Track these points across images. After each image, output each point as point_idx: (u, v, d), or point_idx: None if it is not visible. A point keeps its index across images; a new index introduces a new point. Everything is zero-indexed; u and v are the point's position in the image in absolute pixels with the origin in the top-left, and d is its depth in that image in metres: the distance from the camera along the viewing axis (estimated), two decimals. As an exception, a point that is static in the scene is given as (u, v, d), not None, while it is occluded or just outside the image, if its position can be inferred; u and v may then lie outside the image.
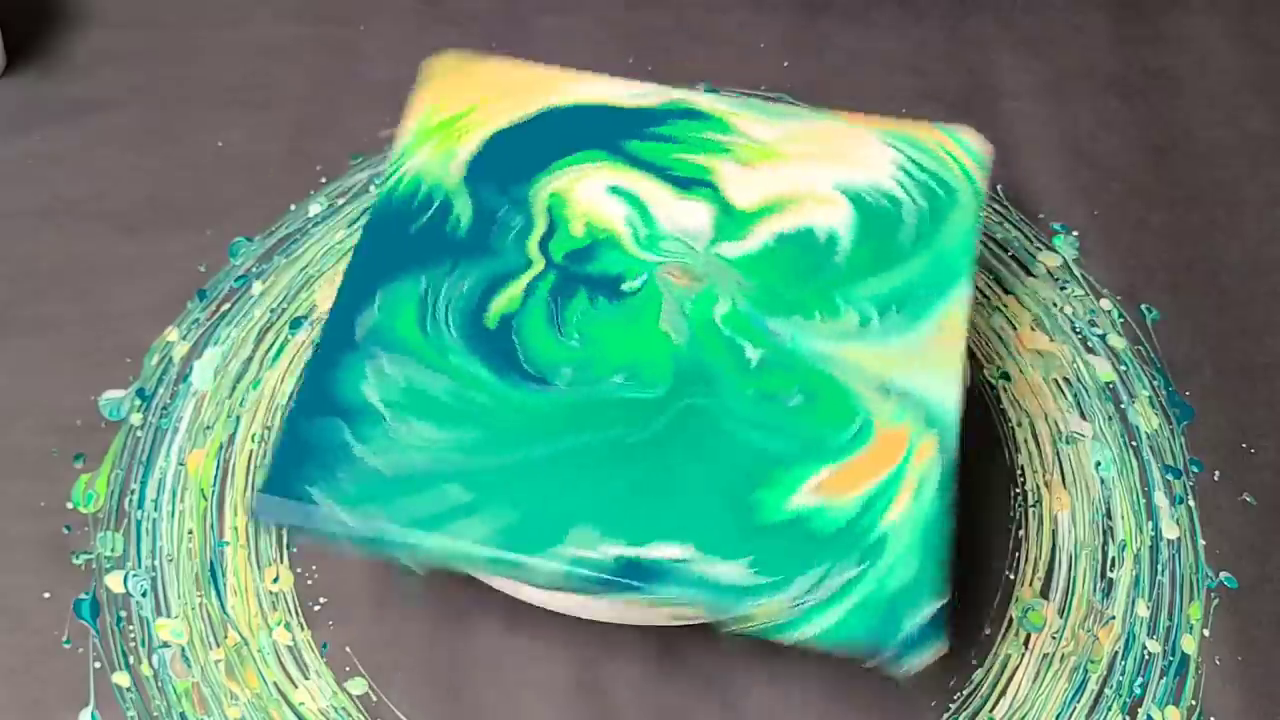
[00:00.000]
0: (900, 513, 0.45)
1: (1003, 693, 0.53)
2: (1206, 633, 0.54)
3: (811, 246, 0.51)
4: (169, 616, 0.53)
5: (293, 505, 0.45)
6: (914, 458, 0.46)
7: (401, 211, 0.53)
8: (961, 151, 0.54)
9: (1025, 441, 0.58)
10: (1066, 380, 0.60)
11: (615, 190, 0.53)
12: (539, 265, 0.51)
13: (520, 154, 0.54)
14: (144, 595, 0.54)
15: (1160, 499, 0.57)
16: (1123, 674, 0.53)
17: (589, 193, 0.53)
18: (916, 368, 0.48)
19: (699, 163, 0.53)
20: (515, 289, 0.50)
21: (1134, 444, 0.59)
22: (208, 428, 0.58)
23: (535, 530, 0.45)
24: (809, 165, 0.53)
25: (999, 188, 0.66)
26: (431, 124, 0.55)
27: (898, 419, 0.47)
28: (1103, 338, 0.62)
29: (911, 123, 0.55)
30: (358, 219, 0.64)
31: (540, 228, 0.52)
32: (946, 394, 0.48)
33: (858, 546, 0.45)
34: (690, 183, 0.53)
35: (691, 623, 0.47)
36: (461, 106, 0.55)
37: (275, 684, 0.52)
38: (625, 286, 0.51)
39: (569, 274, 0.51)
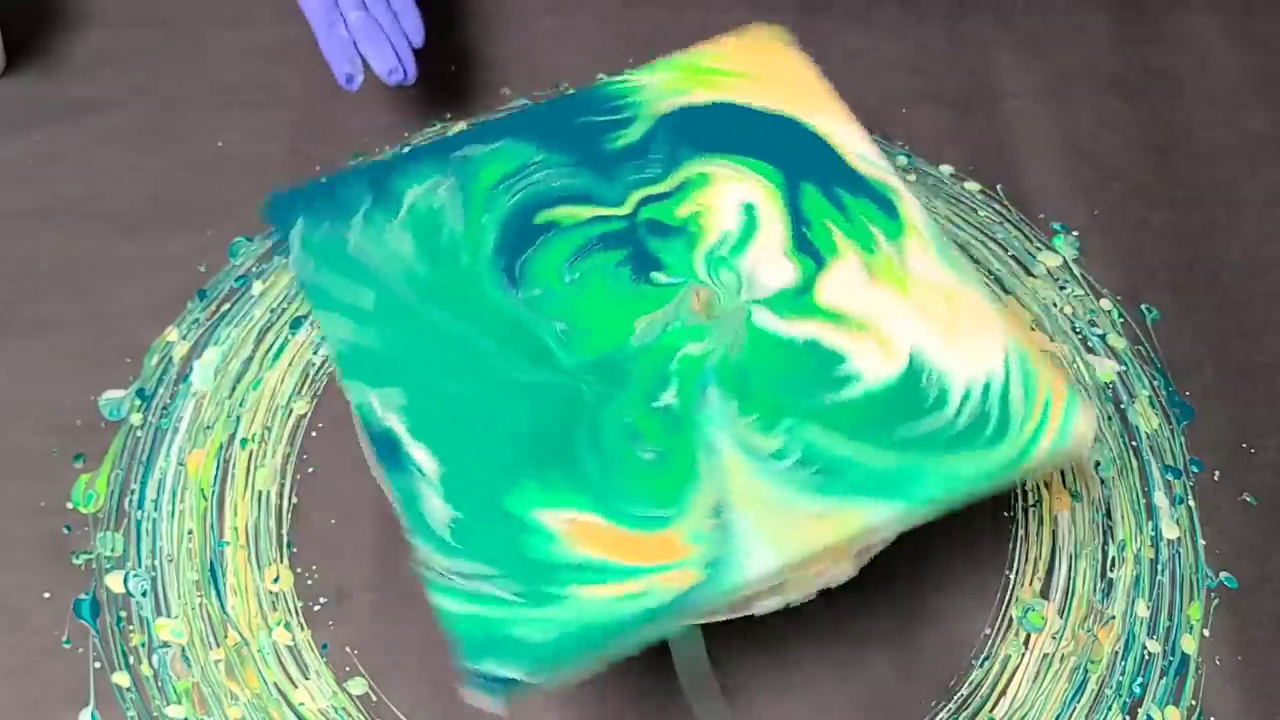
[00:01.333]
0: (603, 598, 0.43)
1: (1003, 693, 0.53)
2: (1206, 633, 0.54)
3: (825, 371, 0.48)
4: (169, 616, 0.53)
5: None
6: (666, 575, 0.44)
7: (596, 101, 0.56)
8: (1057, 422, 0.47)
9: (1025, 441, 0.58)
10: (1066, 380, 0.60)
11: (748, 209, 0.53)
12: (623, 211, 0.52)
13: (721, 129, 0.55)
14: (144, 595, 0.54)
15: (1160, 499, 0.57)
16: (1123, 674, 0.53)
17: (728, 193, 0.53)
18: (762, 523, 0.45)
19: (837, 241, 0.52)
20: (585, 211, 0.52)
21: (1134, 444, 0.59)
22: (208, 428, 0.58)
23: (374, 365, 0.49)
24: (913, 313, 0.50)
25: (999, 187, 0.66)
26: (700, 64, 0.57)
27: (695, 539, 0.44)
28: (1103, 338, 0.62)
29: (1048, 358, 0.49)
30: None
31: (659, 188, 0.53)
32: (755, 562, 0.44)
33: (537, 583, 0.44)
34: (810, 249, 0.51)
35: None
36: (733, 68, 0.56)
37: (275, 684, 0.52)
38: (657, 276, 0.51)
39: (634, 236, 0.52)
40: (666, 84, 0.56)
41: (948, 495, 0.46)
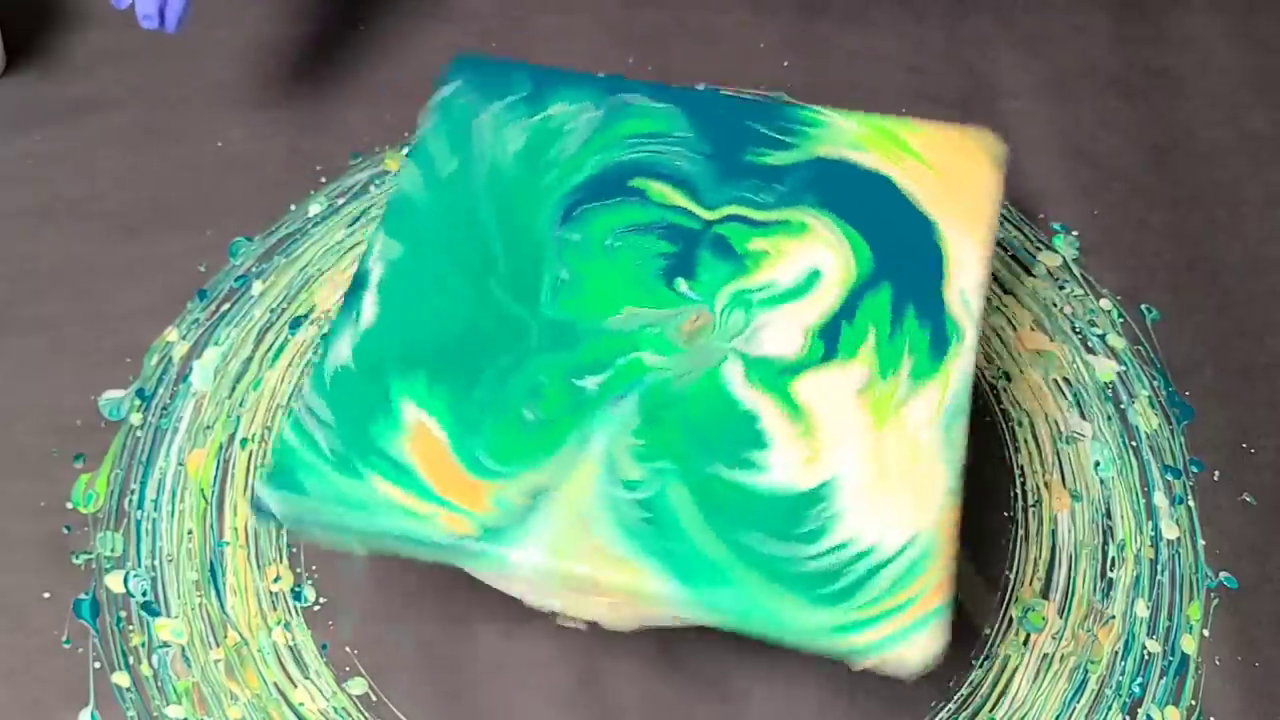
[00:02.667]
0: (389, 499, 0.46)
1: (1003, 693, 0.53)
2: (1206, 633, 0.54)
3: (738, 445, 0.47)
4: (169, 616, 0.53)
5: None
6: (449, 514, 0.45)
7: (774, 113, 0.55)
8: (904, 622, 0.43)
9: (1025, 441, 0.58)
10: (1066, 380, 0.60)
11: (813, 275, 0.50)
12: (709, 216, 0.52)
13: (860, 199, 0.53)
14: (144, 595, 0.54)
15: (1160, 499, 0.57)
16: (1123, 674, 0.53)
17: (810, 254, 0.51)
18: (560, 528, 0.45)
19: (863, 349, 0.49)
20: (676, 197, 0.53)
21: (1134, 444, 0.59)
22: (208, 428, 0.58)
23: (403, 222, 0.52)
24: (862, 449, 0.47)
25: (999, 188, 0.66)
26: (895, 132, 0.54)
27: (498, 503, 0.45)
28: (1103, 338, 0.62)
29: (947, 572, 0.44)
30: (358, 219, 0.64)
31: (756, 216, 0.52)
32: (523, 551, 0.45)
33: (351, 456, 0.46)
34: (831, 342, 0.49)
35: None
36: (923, 152, 0.54)
37: (275, 684, 0.52)
38: (680, 284, 0.51)
39: (696, 241, 0.52)
40: (850, 134, 0.54)
41: (738, 618, 0.44)
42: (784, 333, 0.49)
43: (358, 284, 0.50)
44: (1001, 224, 0.65)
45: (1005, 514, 0.57)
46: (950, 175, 0.53)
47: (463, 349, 0.49)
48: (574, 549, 0.45)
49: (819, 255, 0.51)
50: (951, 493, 0.46)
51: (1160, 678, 0.53)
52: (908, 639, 0.43)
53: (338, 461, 0.46)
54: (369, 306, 0.50)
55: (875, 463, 0.46)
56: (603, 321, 0.50)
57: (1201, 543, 0.56)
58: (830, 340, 0.49)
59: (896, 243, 0.52)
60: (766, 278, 0.51)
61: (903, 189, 0.53)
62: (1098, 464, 0.58)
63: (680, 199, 0.53)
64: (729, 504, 0.45)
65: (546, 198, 0.53)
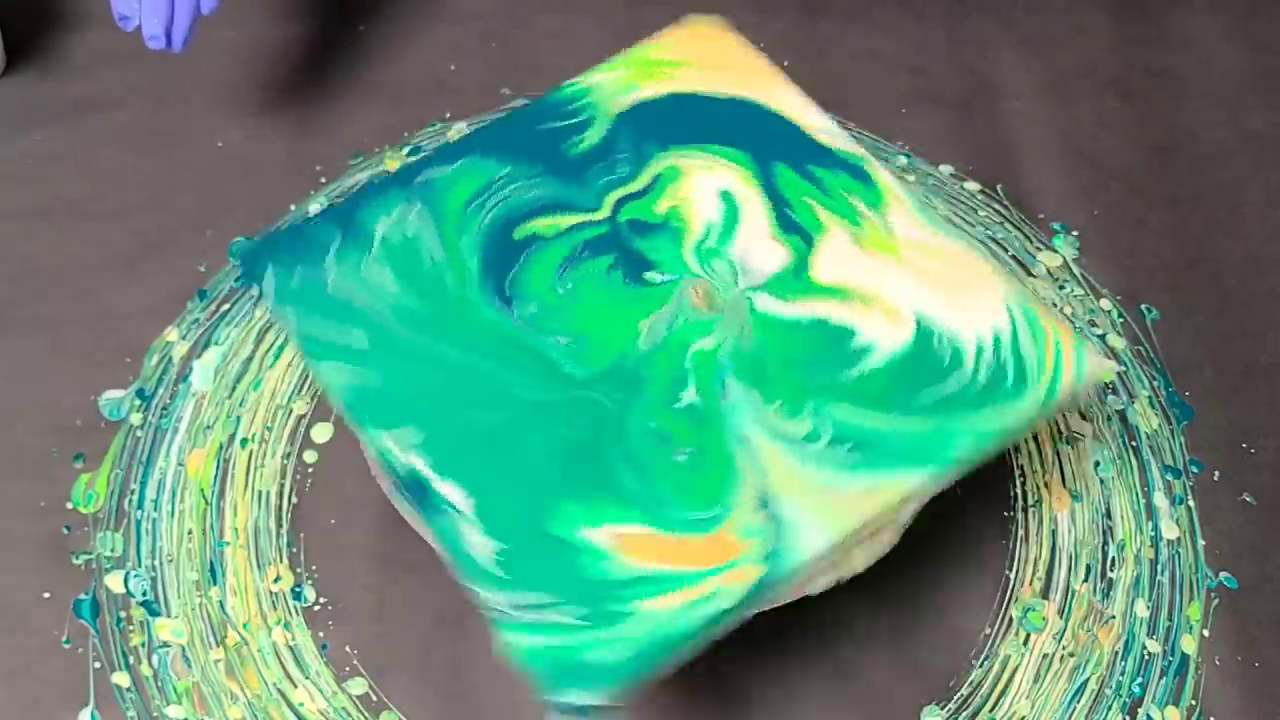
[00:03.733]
0: (669, 608, 0.43)
1: (1003, 693, 0.53)
2: (1206, 633, 0.54)
3: (838, 347, 0.48)
4: (169, 616, 0.53)
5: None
6: (728, 574, 0.44)
7: (550, 108, 0.55)
8: (1071, 363, 0.48)
9: (1025, 441, 0.58)
10: (1066, 380, 0.60)
11: (726, 195, 0.52)
12: (601, 215, 0.52)
13: (681, 120, 0.54)
14: (144, 595, 0.54)
15: (1160, 499, 0.57)
16: (1123, 674, 0.53)
17: (703, 183, 0.53)
18: (809, 507, 0.45)
19: (820, 217, 0.51)
20: (564, 220, 0.52)
21: (1134, 444, 0.59)
22: (208, 428, 0.58)
23: (383, 406, 0.47)
24: (911, 278, 0.50)
25: (999, 187, 0.66)
26: (646, 58, 0.56)
27: (747, 534, 0.44)
28: (1102, 338, 0.62)
29: (1051, 312, 0.50)
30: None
31: (633, 187, 0.52)
32: (809, 544, 0.44)
33: (600, 603, 0.43)
34: (796, 228, 0.51)
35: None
36: (679, 58, 0.56)
37: (275, 684, 0.52)
38: (650, 276, 0.50)
39: (618, 238, 0.51)
40: (617, 82, 0.55)
41: (982, 451, 0.47)
42: (761, 250, 0.51)
43: (422, 489, 0.46)
44: (1001, 224, 0.65)
45: (1005, 514, 0.57)
46: (715, 62, 0.56)
47: (569, 458, 0.46)
48: (836, 511, 0.45)
49: (712, 180, 0.53)
50: (982, 253, 0.51)
51: (1160, 678, 0.53)
52: (1086, 366, 0.48)
53: (596, 620, 0.43)
54: (454, 494, 0.46)
55: (927, 281, 0.50)
56: (635, 348, 0.49)
57: (1201, 543, 0.56)
58: (795, 229, 0.51)
59: (745, 131, 0.54)
60: (700, 223, 0.52)
61: (700, 92, 0.55)
62: (1097, 464, 0.58)
63: (568, 219, 0.52)
64: (882, 389, 0.47)
65: (470, 299, 0.50)
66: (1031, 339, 0.48)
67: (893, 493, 0.45)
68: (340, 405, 0.48)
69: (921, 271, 0.50)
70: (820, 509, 0.45)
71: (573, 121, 0.54)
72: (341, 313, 0.49)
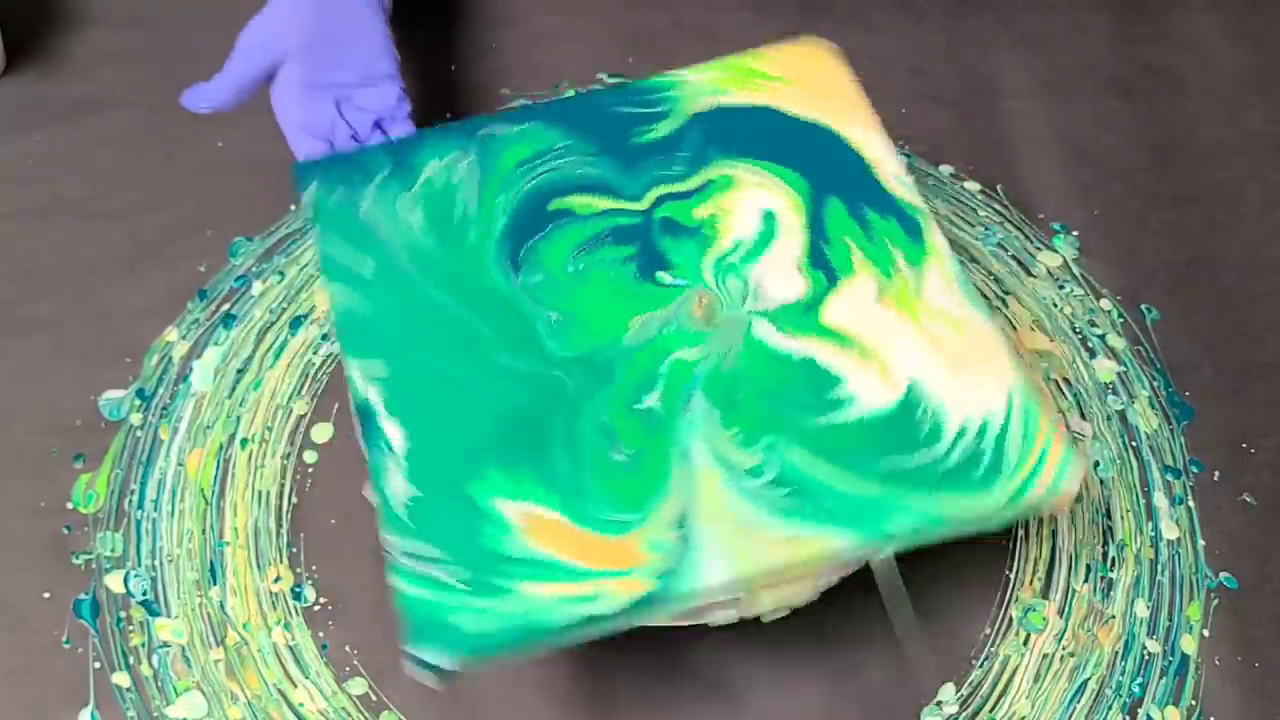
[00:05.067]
0: (550, 596, 0.43)
1: (1003, 693, 0.53)
2: (1206, 633, 0.54)
3: (818, 392, 0.47)
4: (169, 616, 0.53)
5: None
6: (617, 580, 0.44)
7: (635, 93, 0.55)
8: (1050, 474, 0.46)
9: (1025, 441, 0.58)
10: (1066, 380, 0.60)
11: (768, 216, 0.52)
12: (639, 206, 0.52)
13: (753, 133, 0.54)
14: (144, 595, 0.54)
15: (1160, 499, 0.57)
16: (1123, 674, 0.53)
17: (750, 199, 0.52)
18: (723, 538, 0.44)
19: (854, 260, 0.50)
20: (601, 202, 0.52)
21: (1134, 444, 0.59)
22: (208, 428, 0.58)
23: (364, 335, 0.48)
24: (920, 342, 0.49)
25: (999, 187, 0.66)
26: (745, 66, 0.56)
27: (653, 548, 0.44)
28: (1102, 338, 0.62)
29: (1054, 415, 0.48)
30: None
31: (680, 187, 0.52)
32: (708, 574, 0.44)
33: (485, 573, 0.44)
34: (825, 265, 0.50)
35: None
36: (777, 72, 0.55)
37: (275, 684, 0.52)
38: (661, 276, 0.50)
39: (646, 232, 0.51)
40: (708, 83, 0.55)
41: (920, 534, 0.45)
42: (782, 278, 0.50)
43: (368, 417, 0.47)
44: (1002, 224, 0.65)
45: (1005, 514, 0.57)
46: (812, 85, 0.55)
47: (513, 428, 0.47)
48: (748, 550, 0.44)
49: (760, 198, 0.52)
50: (1006, 337, 0.49)
51: (1160, 678, 0.53)
52: (1063, 483, 0.46)
53: (476, 588, 0.43)
54: (394, 433, 0.46)
55: (936, 349, 0.48)
56: (620, 342, 0.49)
57: (1201, 543, 0.56)
58: (824, 266, 0.50)
59: (814, 159, 0.53)
60: (732, 238, 0.51)
61: (785, 111, 0.54)
62: (1098, 464, 0.58)
63: (607, 202, 0.52)
64: (846, 444, 0.46)
65: (483, 256, 0.50)
66: (1021, 435, 0.46)
67: (812, 548, 0.44)
68: (333, 323, 0.49)
69: (934, 339, 0.49)
70: (733, 543, 0.44)
71: (650, 110, 0.54)
72: (361, 239, 0.51)
